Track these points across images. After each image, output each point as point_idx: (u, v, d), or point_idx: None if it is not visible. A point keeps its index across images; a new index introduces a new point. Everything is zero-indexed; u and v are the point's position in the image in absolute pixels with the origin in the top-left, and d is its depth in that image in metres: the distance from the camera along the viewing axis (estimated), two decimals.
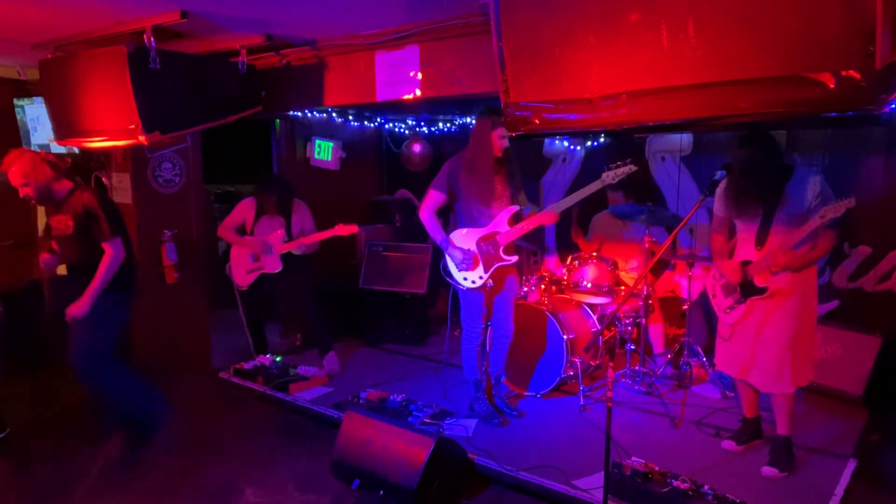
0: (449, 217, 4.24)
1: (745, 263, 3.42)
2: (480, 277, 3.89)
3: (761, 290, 3.35)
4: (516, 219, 3.92)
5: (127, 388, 3.77)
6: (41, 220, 6.76)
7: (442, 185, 3.92)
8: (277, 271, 4.91)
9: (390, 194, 7.24)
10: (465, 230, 3.93)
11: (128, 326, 4.12)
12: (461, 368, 4.21)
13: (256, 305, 5.24)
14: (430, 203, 3.95)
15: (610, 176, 3.68)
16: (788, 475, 3.40)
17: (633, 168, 3.66)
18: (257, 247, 4.95)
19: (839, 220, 3.09)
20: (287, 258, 4.91)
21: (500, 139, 3.76)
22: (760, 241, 3.38)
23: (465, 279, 3.91)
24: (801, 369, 3.37)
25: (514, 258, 3.95)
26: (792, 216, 3.26)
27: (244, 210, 5.06)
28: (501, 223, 3.90)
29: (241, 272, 5.07)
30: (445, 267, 3.99)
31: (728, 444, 3.73)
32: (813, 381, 4.39)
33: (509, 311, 4.10)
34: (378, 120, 6.94)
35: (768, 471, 3.42)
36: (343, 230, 4.83)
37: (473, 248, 3.89)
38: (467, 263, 3.88)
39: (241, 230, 5.06)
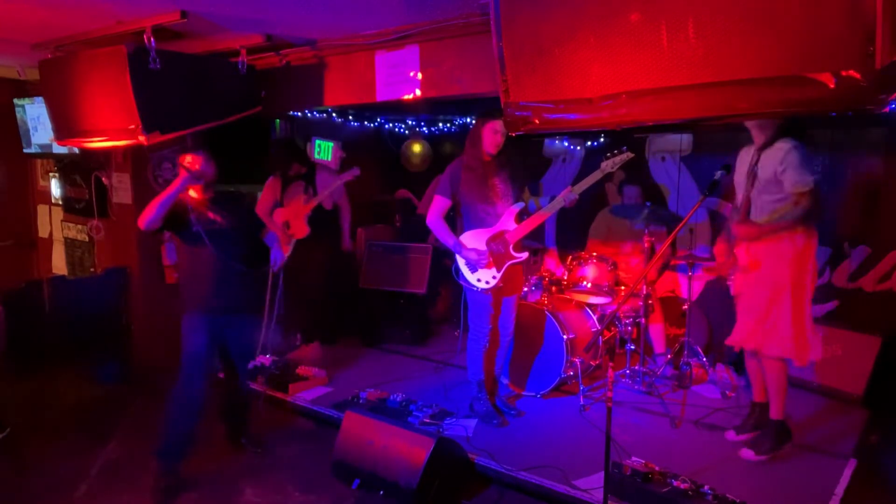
0: (455, 221, 4.23)
1: None
2: (494, 277, 3.89)
3: (742, 267, 3.49)
4: (521, 216, 3.93)
5: None
6: (41, 221, 6.78)
7: (446, 190, 3.92)
8: (306, 236, 5.02)
9: (390, 194, 7.24)
10: (472, 232, 3.93)
11: None
12: (462, 368, 4.21)
13: (295, 275, 5.21)
14: (436, 209, 3.94)
15: (609, 164, 3.71)
16: (768, 460, 3.45)
17: (631, 155, 3.69)
18: (279, 228, 5.05)
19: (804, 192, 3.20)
20: (313, 224, 5.02)
21: (493, 134, 3.78)
22: (744, 217, 3.48)
23: (479, 280, 3.91)
24: (796, 343, 3.37)
25: (525, 255, 3.96)
26: (760, 182, 3.35)
27: (272, 188, 5.15)
28: (508, 221, 3.91)
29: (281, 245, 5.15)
30: (457, 269, 3.99)
31: (730, 435, 3.80)
32: (813, 381, 4.41)
33: (513, 310, 4.11)
34: (378, 120, 6.94)
35: (746, 453, 3.51)
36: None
37: (483, 248, 3.90)
38: (482, 263, 3.88)
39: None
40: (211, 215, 3.53)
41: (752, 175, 3.40)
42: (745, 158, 3.55)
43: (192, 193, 3.54)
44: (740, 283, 3.58)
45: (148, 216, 3.32)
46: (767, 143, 3.34)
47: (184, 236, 3.52)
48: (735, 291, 3.64)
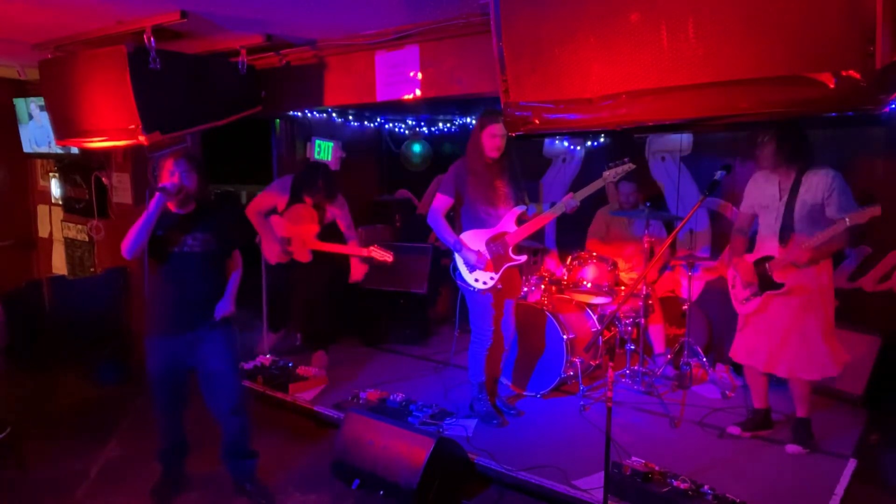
0: (453, 220, 4.24)
1: (766, 259, 3.54)
2: (491, 278, 3.89)
3: (778, 286, 3.47)
4: (522, 219, 3.93)
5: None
6: (41, 221, 6.78)
7: (449, 188, 3.92)
8: (307, 262, 4.87)
9: (390, 194, 7.24)
10: (472, 232, 3.93)
11: None
12: (462, 368, 4.21)
13: (280, 279, 5.17)
14: (438, 207, 3.93)
15: (611, 174, 3.78)
16: (810, 452, 3.57)
17: (632, 166, 3.76)
18: (279, 244, 4.85)
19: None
20: (317, 251, 4.86)
21: (490, 138, 3.75)
22: (784, 237, 3.49)
23: (477, 280, 3.91)
24: (834, 357, 3.51)
25: (524, 257, 3.96)
26: (806, 206, 3.39)
27: (275, 195, 4.87)
28: (509, 223, 3.91)
29: (273, 252, 4.93)
30: (455, 269, 3.99)
31: (734, 430, 3.84)
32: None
33: (511, 311, 4.12)
34: (378, 120, 6.94)
35: (793, 448, 3.60)
36: (377, 254, 4.73)
37: (483, 249, 3.90)
38: (481, 264, 3.88)
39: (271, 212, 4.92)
40: (186, 237, 3.13)
41: (792, 199, 3.44)
42: (762, 183, 3.60)
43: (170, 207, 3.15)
44: (767, 305, 3.56)
45: (130, 244, 2.98)
46: (804, 168, 3.44)
47: (158, 255, 3.13)
48: (749, 310, 3.63)
